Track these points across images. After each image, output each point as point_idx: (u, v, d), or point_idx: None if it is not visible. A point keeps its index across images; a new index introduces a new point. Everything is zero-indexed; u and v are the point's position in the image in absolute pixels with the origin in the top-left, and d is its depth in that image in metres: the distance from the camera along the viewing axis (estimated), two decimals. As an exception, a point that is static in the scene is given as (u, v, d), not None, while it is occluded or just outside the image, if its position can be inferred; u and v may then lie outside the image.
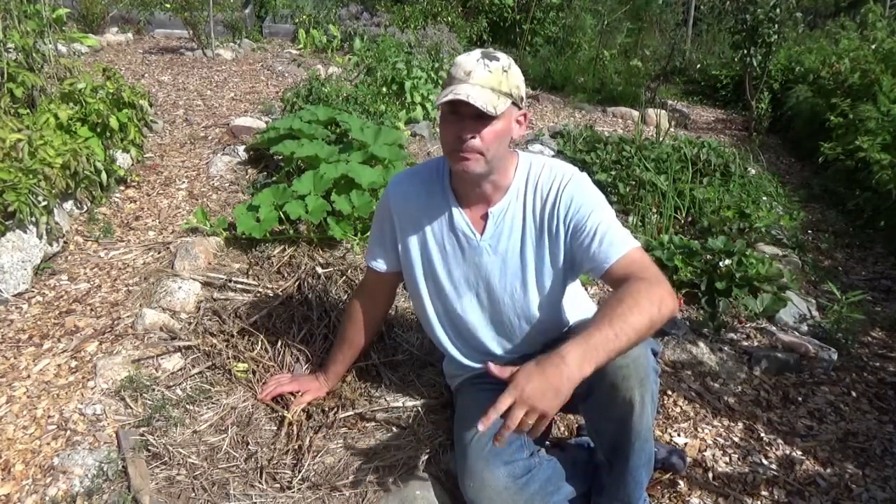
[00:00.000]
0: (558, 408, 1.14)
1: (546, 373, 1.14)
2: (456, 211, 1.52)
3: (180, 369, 1.94)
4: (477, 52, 1.37)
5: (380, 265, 1.67)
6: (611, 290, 1.38)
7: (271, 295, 2.27)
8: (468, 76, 1.32)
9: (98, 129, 3.00)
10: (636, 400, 1.27)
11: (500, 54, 1.37)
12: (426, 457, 1.66)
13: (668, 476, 1.73)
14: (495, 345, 1.61)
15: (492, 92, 1.32)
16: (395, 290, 1.83)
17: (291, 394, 1.82)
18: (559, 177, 1.46)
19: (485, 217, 1.50)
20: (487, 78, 1.32)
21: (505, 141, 1.40)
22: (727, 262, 2.57)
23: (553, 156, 4.17)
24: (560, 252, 1.48)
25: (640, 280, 1.28)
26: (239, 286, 2.32)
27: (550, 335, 1.58)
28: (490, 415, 1.13)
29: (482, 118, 1.33)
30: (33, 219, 2.35)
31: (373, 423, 1.78)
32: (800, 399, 2.13)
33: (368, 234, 2.59)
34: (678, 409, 2.03)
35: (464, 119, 1.33)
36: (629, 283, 1.28)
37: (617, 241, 1.37)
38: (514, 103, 1.37)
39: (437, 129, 4.61)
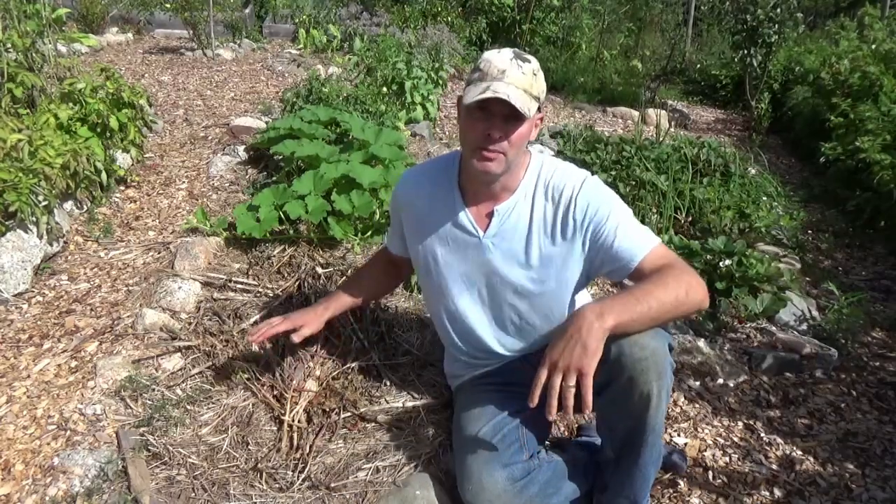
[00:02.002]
0: (593, 360, 1.18)
1: (567, 332, 1.21)
2: (461, 208, 1.52)
3: (180, 369, 1.93)
4: (508, 52, 1.36)
5: (395, 249, 1.76)
6: (615, 289, 1.38)
7: (271, 295, 2.26)
8: (502, 75, 1.31)
9: (98, 129, 3.00)
10: (654, 393, 1.27)
11: (529, 56, 1.37)
12: (426, 457, 1.66)
13: (668, 476, 1.73)
14: (495, 342, 1.61)
15: (524, 94, 1.32)
16: (407, 272, 1.88)
17: (286, 334, 1.71)
18: (572, 181, 1.46)
19: (490, 215, 1.50)
20: (521, 79, 1.32)
21: (526, 143, 1.41)
22: (727, 262, 2.57)
23: (553, 156, 4.16)
24: (573, 256, 1.47)
25: (669, 268, 1.33)
26: (239, 286, 2.32)
27: (551, 335, 1.58)
28: (535, 391, 1.21)
29: (512, 119, 1.33)
30: (34, 219, 2.35)
31: (373, 424, 1.78)
32: (800, 399, 2.13)
33: (369, 233, 2.60)
34: (678, 409, 2.03)
35: (493, 117, 1.33)
36: (657, 271, 1.33)
37: (640, 240, 1.39)
38: (538, 107, 1.38)
39: (438, 129, 4.64)
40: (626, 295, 1.28)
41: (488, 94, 1.29)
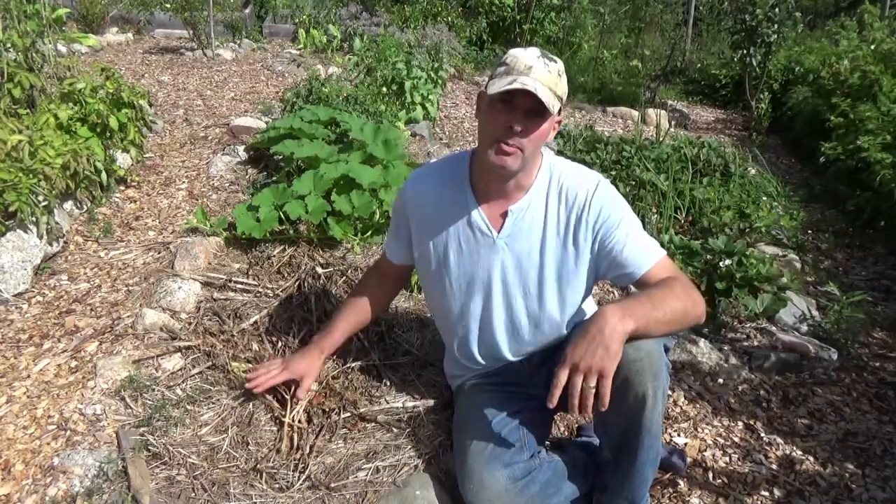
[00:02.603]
0: (614, 362, 1.19)
1: (589, 332, 1.21)
2: (474, 207, 1.51)
3: (180, 369, 1.93)
4: (535, 50, 1.37)
5: (394, 257, 1.71)
6: (617, 290, 1.39)
7: (271, 295, 2.26)
8: (529, 70, 1.32)
9: (98, 130, 2.99)
10: (649, 394, 1.27)
11: (556, 57, 1.38)
12: (426, 457, 1.66)
13: (668, 476, 1.73)
14: (504, 345, 1.60)
15: (549, 91, 1.32)
16: (407, 279, 1.87)
17: (286, 383, 1.77)
18: (586, 184, 1.46)
19: (504, 215, 1.50)
20: (547, 77, 1.33)
21: (543, 142, 1.41)
22: (727, 262, 2.57)
23: (555, 154, 4.16)
24: (583, 259, 1.48)
25: (674, 280, 1.37)
26: (239, 286, 2.32)
27: (558, 338, 1.58)
28: (555, 392, 1.21)
29: (534, 115, 1.33)
30: (33, 219, 2.35)
31: (373, 424, 1.78)
32: (800, 399, 2.13)
33: (369, 233, 2.60)
34: (678, 409, 2.03)
35: (516, 111, 1.33)
36: (664, 280, 1.36)
37: (647, 251, 1.41)
38: (559, 110, 1.38)
39: (437, 129, 4.64)
40: (643, 299, 1.30)
41: (516, 86, 1.29)
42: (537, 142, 1.37)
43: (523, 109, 1.33)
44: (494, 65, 1.42)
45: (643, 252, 1.41)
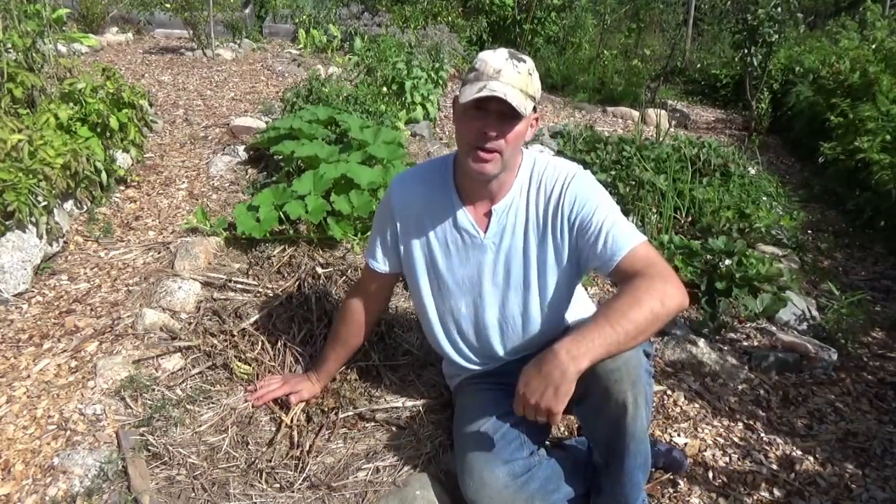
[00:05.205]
0: (563, 401, 1.19)
1: (541, 371, 1.21)
2: (459, 209, 1.52)
3: (180, 369, 1.93)
4: (504, 52, 1.37)
5: (380, 266, 1.66)
6: (615, 288, 1.39)
7: (271, 295, 2.26)
8: (498, 74, 1.32)
9: (98, 129, 2.99)
10: (629, 402, 1.28)
11: (525, 56, 1.38)
12: (426, 457, 1.66)
13: (668, 476, 1.73)
14: (497, 344, 1.60)
15: (521, 93, 1.32)
16: (393, 290, 1.83)
17: (285, 395, 1.81)
18: (563, 175, 1.46)
19: (488, 214, 1.50)
20: (517, 79, 1.33)
21: (521, 142, 1.41)
22: (727, 262, 2.57)
23: (553, 156, 4.17)
24: (564, 251, 1.47)
25: (642, 277, 1.30)
26: (239, 286, 2.32)
27: (551, 335, 1.58)
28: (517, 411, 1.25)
29: (507, 118, 1.33)
30: (33, 219, 2.35)
31: (373, 423, 1.78)
32: (800, 399, 2.13)
33: (368, 233, 2.60)
34: (678, 409, 2.03)
35: (489, 116, 1.33)
36: (630, 282, 1.30)
37: (622, 238, 1.38)
38: (533, 107, 1.38)
39: (437, 129, 4.64)
40: (601, 322, 1.22)
41: (485, 93, 1.29)
42: (514, 143, 1.37)
43: (496, 114, 1.33)
44: (466, 69, 1.42)
45: (618, 241, 1.37)
